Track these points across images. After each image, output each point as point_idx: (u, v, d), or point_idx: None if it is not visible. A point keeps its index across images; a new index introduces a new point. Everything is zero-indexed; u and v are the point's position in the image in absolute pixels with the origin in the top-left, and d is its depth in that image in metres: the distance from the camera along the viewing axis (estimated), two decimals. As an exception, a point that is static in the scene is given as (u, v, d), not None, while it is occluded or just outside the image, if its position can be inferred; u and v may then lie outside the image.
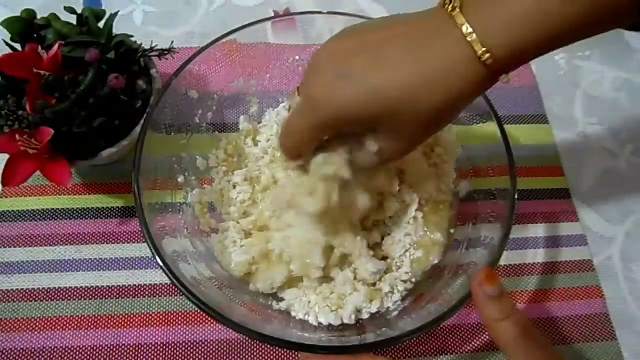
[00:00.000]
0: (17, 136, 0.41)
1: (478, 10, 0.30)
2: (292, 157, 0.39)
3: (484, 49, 0.29)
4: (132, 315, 0.45)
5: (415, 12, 0.34)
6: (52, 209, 0.50)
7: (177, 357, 0.44)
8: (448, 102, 0.32)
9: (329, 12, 0.50)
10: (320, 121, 0.34)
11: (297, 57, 0.52)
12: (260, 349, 0.44)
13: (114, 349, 0.44)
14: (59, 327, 0.44)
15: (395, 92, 0.31)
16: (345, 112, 0.33)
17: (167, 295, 0.46)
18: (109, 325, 0.45)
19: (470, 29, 0.30)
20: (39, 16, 0.46)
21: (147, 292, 0.46)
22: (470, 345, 0.45)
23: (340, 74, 0.32)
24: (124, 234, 0.49)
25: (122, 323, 0.45)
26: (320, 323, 0.42)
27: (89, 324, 0.44)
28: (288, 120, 0.38)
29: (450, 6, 0.31)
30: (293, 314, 0.43)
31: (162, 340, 0.44)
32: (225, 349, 0.44)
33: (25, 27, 0.45)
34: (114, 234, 0.49)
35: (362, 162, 0.38)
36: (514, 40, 0.29)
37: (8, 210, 0.49)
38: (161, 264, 0.37)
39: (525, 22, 0.29)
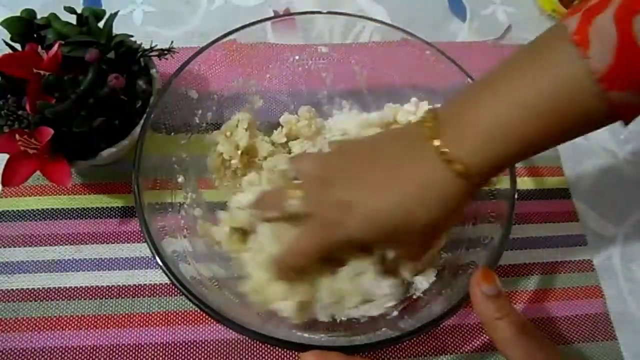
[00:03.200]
0: (17, 136, 0.41)
1: (449, 132, 0.34)
2: (289, 273, 0.40)
3: (457, 164, 0.33)
4: (132, 315, 0.45)
5: (393, 131, 0.40)
6: (52, 209, 0.50)
7: (177, 357, 0.44)
8: (440, 214, 0.35)
9: (329, 12, 0.50)
10: (332, 242, 0.37)
11: (297, 57, 0.52)
12: (260, 349, 0.44)
13: (114, 349, 0.44)
14: (59, 327, 0.44)
15: (397, 215, 0.35)
16: (353, 238, 0.36)
17: (167, 296, 0.46)
18: (109, 325, 0.45)
19: (442, 147, 0.33)
20: (39, 16, 0.46)
21: (147, 292, 0.46)
22: (470, 345, 0.45)
23: (341, 204, 0.36)
24: (124, 234, 0.49)
25: (122, 323, 0.45)
26: (320, 321, 0.42)
27: (89, 324, 0.44)
28: (295, 242, 0.38)
29: (427, 129, 0.35)
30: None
31: (162, 340, 0.44)
32: (225, 349, 0.44)
33: (25, 27, 0.45)
34: (114, 234, 0.49)
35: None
36: (486, 156, 0.33)
37: (8, 210, 0.49)
38: (161, 264, 0.37)
39: (492, 139, 0.32)
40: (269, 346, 0.44)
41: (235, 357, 0.44)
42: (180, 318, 0.45)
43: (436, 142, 0.34)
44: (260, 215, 0.42)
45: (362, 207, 0.35)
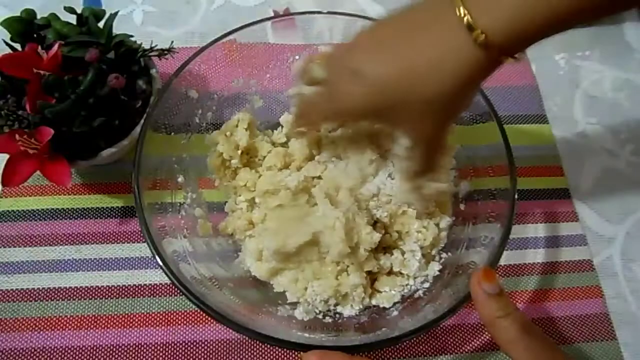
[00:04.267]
0: (17, 136, 0.41)
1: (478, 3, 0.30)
2: (304, 127, 0.42)
3: (478, 31, 0.30)
4: (132, 315, 0.45)
5: (418, 1, 0.35)
6: (52, 209, 0.50)
7: (177, 357, 0.44)
8: (454, 88, 0.32)
9: (329, 12, 0.50)
10: (336, 110, 0.37)
11: (297, 57, 0.52)
12: (260, 349, 0.44)
13: (114, 349, 0.44)
14: (59, 327, 0.44)
15: (404, 83, 0.33)
16: (360, 105, 0.35)
17: (167, 295, 0.46)
18: (109, 325, 0.45)
19: (464, 12, 0.30)
20: (39, 16, 0.46)
21: (147, 292, 0.46)
22: (470, 345, 0.45)
23: (352, 72, 0.34)
24: (124, 234, 0.49)
25: (122, 323, 0.45)
26: (318, 317, 0.42)
27: (89, 324, 0.44)
28: (309, 99, 0.40)
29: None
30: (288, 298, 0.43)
31: (162, 340, 0.44)
32: (225, 349, 0.44)
33: (25, 27, 0.45)
34: (114, 234, 0.49)
35: (410, 162, 0.39)
36: (510, 22, 0.30)
37: (8, 211, 0.49)
38: (161, 264, 0.37)
39: (520, 4, 0.29)
40: (269, 346, 0.44)
41: (235, 357, 0.44)
42: (180, 318, 0.45)
43: (459, 6, 0.30)
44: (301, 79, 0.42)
45: (370, 75, 0.34)
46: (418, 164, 0.39)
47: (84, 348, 0.43)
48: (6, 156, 0.42)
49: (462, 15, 0.30)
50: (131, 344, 0.44)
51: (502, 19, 0.30)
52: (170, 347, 0.44)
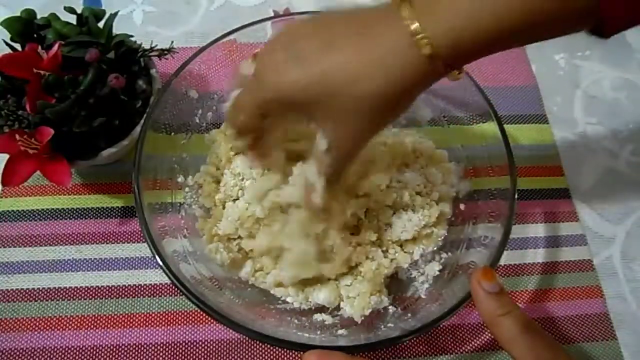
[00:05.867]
0: (17, 136, 0.41)
1: (424, 3, 0.30)
2: (237, 131, 0.39)
3: (423, 39, 0.29)
4: (132, 316, 0.45)
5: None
6: (52, 209, 0.50)
7: (177, 357, 0.44)
8: (388, 91, 0.31)
9: (329, 12, 0.50)
10: (263, 99, 0.35)
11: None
12: (260, 349, 0.44)
13: (114, 349, 0.44)
14: (59, 328, 0.44)
15: (337, 77, 0.31)
16: (288, 93, 0.33)
17: (167, 295, 0.46)
18: (109, 326, 0.45)
19: (411, 20, 0.29)
20: (39, 16, 0.46)
21: (147, 292, 0.46)
22: (470, 345, 0.45)
23: (291, 56, 0.33)
24: (124, 234, 0.49)
25: (123, 323, 0.45)
26: (318, 317, 0.42)
27: (89, 324, 0.45)
28: (238, 95, 0.38)
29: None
30: (290, 302, 0.43)
31: (162, 340, 0.44)
32: (225, 349, 0.44)
33: (25, 27, 0.45)
34: (114, 234, 0.49)
35: (320, 167, 0.37)
36: (455, 33, 0.29)
37: (8, 211, 0.49)
38: (161, 264, 0.37)
39: (465, 17, 0.29)
40: (269, 346, 0.44)
41: (235, 357, 0.44)
42: (180, 318, 0.45)
43: (406, 11, 0.30)
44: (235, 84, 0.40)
45: (312, 61, 0.32)
46: (328, 169, 0.37)
47: (84, 348, 0.43)
48: (6, 156, 0.42)
49: (408, 21, 0.30)
50: (131, 344, 0.44)
51: (449, 30, 0.29)
52: (170, 347, 0.44)
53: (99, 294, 0.46)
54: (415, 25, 0.29)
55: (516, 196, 0.41)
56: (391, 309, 0.43)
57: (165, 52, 0.49)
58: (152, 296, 0.46)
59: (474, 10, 0.29)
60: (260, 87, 0.34)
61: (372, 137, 0.35)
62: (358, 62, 0.31)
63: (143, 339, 0.44)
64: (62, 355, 0.43)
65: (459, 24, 0.29)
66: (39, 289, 0.46)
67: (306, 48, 0.32)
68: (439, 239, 0.46)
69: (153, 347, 0.44)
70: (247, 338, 0.44)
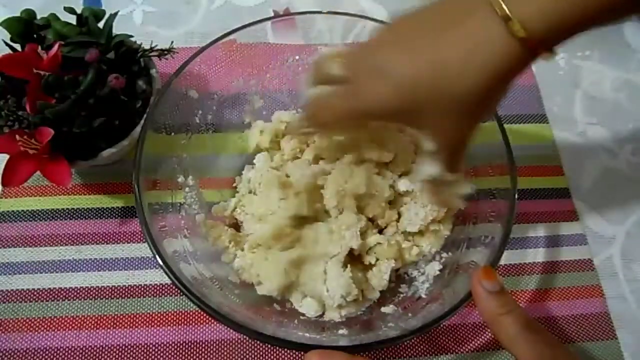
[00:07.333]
0: (17, 137, 0.41)
1: None
2: (319, 128, 0.40)
3: (515, 21, 0.28)
4: (132, 316, 0.45)
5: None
6: (53, 209, 0.50)
7: (178, 357, 0.44)
8: (487, 84, 0.30)
9: (329, 12, 0.50)
10: (362, 111, 0.35)
11: (297, 57, 0.52)
12: (261, 349, 0.44)
13: (115, 350, 0.44)
14: (59, 328, 0.44)
15: (428, 81, 0.31)
16: (386, 109, 0.33)
17: (168, 296, 0.46)
18: (109, 326, 0.45)
19: (499, 6, 0.28)
20: (39, 16, 0.46)
21: (147, 293, 0.46)
22: (470, 345, 0.45)
23: (377, 70, 0.32)
24: (125, 234, 0.49)
25: (123, 323, 0.45)
26: (318, 317, 0.42)
27: (90, 324, 0.44)
28: (324, 97, 0.37)
29: None
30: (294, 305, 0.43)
31: (162, 341, 0.44)
32: (225, 349, 0.44)
33: (25, 27, 0.45)
34: (115, 234, 0.49)
35: (430, 171, 0.37)
36: (549, 14, 0.28)
37: (8, 211, 0.49)
38: (162, 264, 0.37)
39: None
40: (269, 346, 0.44)
41: (236, 357, 0.44)
42: (180, 318, 0.45)
43: None
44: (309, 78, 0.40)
45: (399, 73, 0.32)
46: (443, 168, 0.37)
47: (84, 348, 0.43)
48: (6, 156, 0.42)
49: (498, 6, 0.28)
50: (132, 345, 0.44)
51: (539, 10, 0.28)
52: (170, 347, 0.44)
53: (99, 295, 0.46)
54: (505, 11, 0.28)
55: (516, 196, 0.41)
56: (391, 308, 0.43)
57: (165, 52, 0.49)
58: (152, 296, 0.46)
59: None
60: (357, 98, 0.34)
61: (475, 129, 0.35)
62: (452, 61, 0.30)
63: (143, 339, 0.44)
64: (63, 356, 0.43)
65: (548, 5, 0.28)
66: (39, 289, 0.46)
67: (389, 58, 0.32)
68: (445, 235, 0.46)
69: (153, 347, 0.44)
70: (247, 338, 0.44)
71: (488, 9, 0.29)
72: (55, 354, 0.43)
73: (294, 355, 0.44)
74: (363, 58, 0.34)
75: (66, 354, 0.43)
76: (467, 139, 0.35)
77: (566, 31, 0.29)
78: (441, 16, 0.32)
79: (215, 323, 0.45)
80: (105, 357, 0.43)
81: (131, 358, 0.43)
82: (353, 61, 0.35)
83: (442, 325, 0.46)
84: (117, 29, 0.46)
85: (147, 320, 0.45)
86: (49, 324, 0.44)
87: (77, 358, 0.43)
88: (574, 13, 0.28)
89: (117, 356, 0.43)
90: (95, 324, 0.44)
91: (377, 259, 0.44)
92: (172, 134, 0.47)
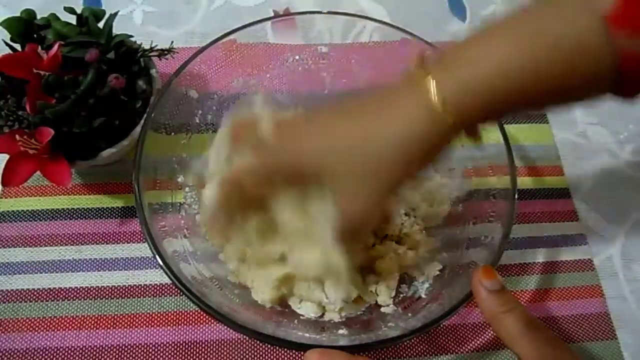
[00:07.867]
0: (17, 136, 0.41)
1: (442, 67, 0.31)
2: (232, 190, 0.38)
3: (438, 98, 0.29)
4: (132, 316, 0.45)
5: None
6: (53, 209, 0.50)
7: (178, 357, 0.44)
8: (404, 149, 0.31)
9: (329, 12, 0.50)
10: (281, 163, 0.35)
11: (297, 57, 0.52)
12: (261, 348, 0.44)
13: (115, 350, 0.44)
14: (59, 328, 0.44)
15: (355, 139, 0.32)
16: (305, 158, 0.34)
17: (168, 296, 0.46)
18: (109, 326, 0.45)
19: (431, 84, 0.30)
20: (39, 16, 0.46)
21: (147, 293, 0.46)
22: (470, 345, 0.45)
23: (311, 126, 0.35)
24: (125, 234, 0.49)
25: (123, 323, 0.45)
26: (318, 317, 0.42)
27: (90, 324, 0.44)
28: (244, 161, 0.37)
29: (416, 70, 0.31)
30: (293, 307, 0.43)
31: (162, 341, 0.44)
32: (225, 349, 0.44)
33: (25, 27, 0.45)
34: (115, 234, 0.49)
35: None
36: (479, 96, 0.29)
37: (8, 211, 0.49)
38: (162, 264, 0.37)
39: (489, 79, 0.29)
40: (269, 346, 0.44)
41: (236, 357, 0.44)
42: (180, 318, 0.45)
43: (426, 77, 0.30)
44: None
45: (338, 132, 0.33)
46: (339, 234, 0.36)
47: (84, 349, 0.43)
48: (6, 156, 0.42)
49: (425, 85, 0.30)
50: (132, 345, 0.44)
51: (469, 90, 0.29)
52: (170, 347, 0.44)
53: (99, 295, 0.46)
54: (432, 87, 0.30)
55: (516, 196, 0.41)
56: (391, 308, 0.43)
57: (165, 52, 0.49)
58: (152, 296, 0.46)
59: (496, 79, 0.29)
60: (277, 152, 0.35)
61: (385, 201, 0.35)
62: (375, 125, 0.32)
63: (143, 339, 0.44)
64: (63, 356, 0.43)
65: (481, 90, 0.29)
66: (39, 289, 0.46)
67: (327, 120, 0.35)
68: (438, 240, 0.46)
69: (153, 348, 0.44)
70: (247, 338, 0.44)
71: (418, 87, 0.30)
72: (55, 354, 0.43)
73: (294, 355, 0.44)
74: (293, 125, 0.37)
75: (66, 354, 0.43)
76: (376, 206, 0.34)
77: (488, 114, 0.31)
78: (379, 95, 0.34)
79: (215, 323, 0.45)
80: (105, 357, 0.43)
81: (131, 358, 0.43)
82: (282, 128, 0.37)
83: (442, 325, 0.46)
84: (117, 29, 0.46)
85: (147, 320, 0.45)
86: (49, 324, 0.44)
87: (77, 358, 0.43)
88: (500, 97, 0.29)
89: (117, 356, 0.43)
90: (95, 324, 0.45)
91: (380, 273, 0.44)
92: (172, 134, 0.47)
